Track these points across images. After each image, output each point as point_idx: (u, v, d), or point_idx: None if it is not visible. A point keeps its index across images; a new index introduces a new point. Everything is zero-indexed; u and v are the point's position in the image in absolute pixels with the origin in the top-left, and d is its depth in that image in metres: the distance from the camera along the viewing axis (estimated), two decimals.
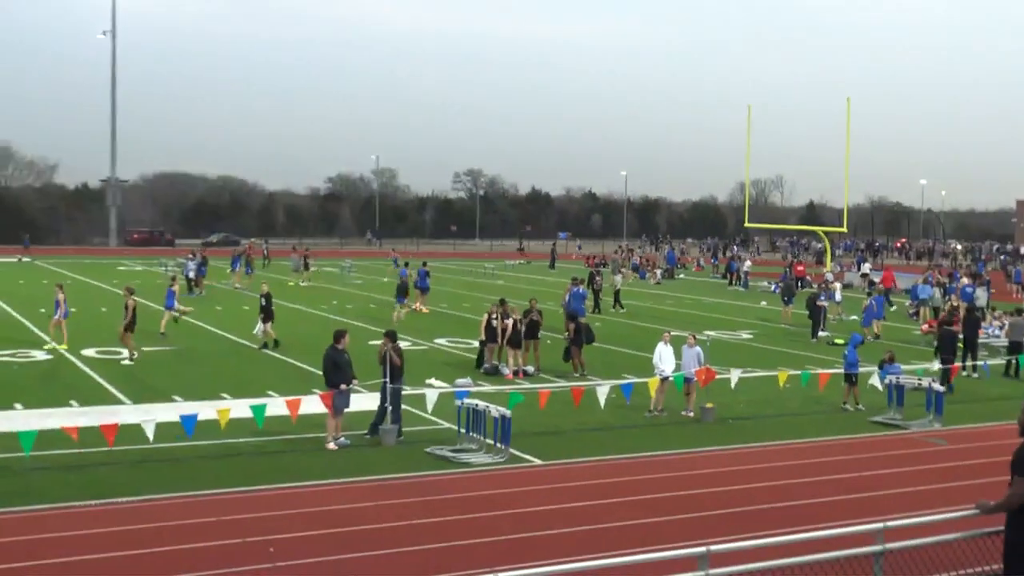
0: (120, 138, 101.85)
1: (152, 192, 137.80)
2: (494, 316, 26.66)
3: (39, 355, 27.35)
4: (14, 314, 36.66)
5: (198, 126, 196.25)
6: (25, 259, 68.92)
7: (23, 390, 22.27)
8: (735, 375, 22.57)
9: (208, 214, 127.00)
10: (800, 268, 61.93)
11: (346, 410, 18.26)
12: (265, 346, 29.42)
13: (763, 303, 48.60)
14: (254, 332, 30.22)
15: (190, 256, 49.33)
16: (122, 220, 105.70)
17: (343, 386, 17.97)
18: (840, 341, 33.55)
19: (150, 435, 16.04)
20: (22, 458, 15.56)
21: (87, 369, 25.39)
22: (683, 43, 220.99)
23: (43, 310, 37.56)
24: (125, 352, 27.04)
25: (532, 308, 27.24)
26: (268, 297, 29.97)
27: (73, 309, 37.02)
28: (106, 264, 69.30)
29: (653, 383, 21.16)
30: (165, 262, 66.38)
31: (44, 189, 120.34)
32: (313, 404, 18.72)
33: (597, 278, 44.05)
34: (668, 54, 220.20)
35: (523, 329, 26.45)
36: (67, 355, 27.39)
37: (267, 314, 29.74)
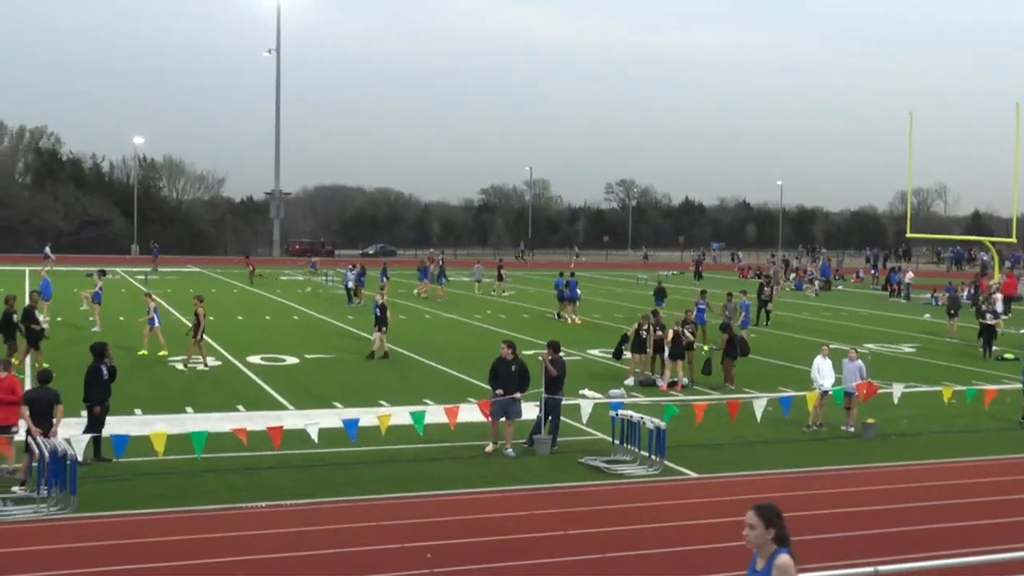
0: (283, 152, 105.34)
1: (313, 204, 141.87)
2: (644, 328, 26.42)
3: (208, 361, 27.75)
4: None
5: (356, 140, 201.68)
6: (158, 270, 67.77)
7: (194, 395, 23.05)
8: (898, 390, 21.84)
9: (366, 225, 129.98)
10: (984, 283, 57.19)
11: (516, 419, 18.18)
12: (372, 355, 29.10)
13: (926, 316, 46.95)
14: (374, 342, 29.59)
15: (350, 267, 50.41)
16: (284, 231, 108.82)
17: (498, 391, 17.90)
18: (1010, 356, 32.42)
19: (314, 439, 16.34)
20: (193, 460, 16.04)
21: (252, 375, 26.04)
22: (840, 50, 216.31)
23: (212, 318, 38.70)
24: (291, 359, 27.89)
25: (688, 320, 26.88)
26: (383, 308, 29.78)
27: (240, 317, 39.29)
28: (269, 274, 71.06)
29: (812, 397, 20.59)
30: (326, 272, 67.86)
31: (212, 202, 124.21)
32: (471, 412, 18.83)
33: (766, 288, 42.84)
34: (825, 61, 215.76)
35: (684, 340, 25.96)
36: (234, 361, 28.23)
37: (381, 323, 29.53)
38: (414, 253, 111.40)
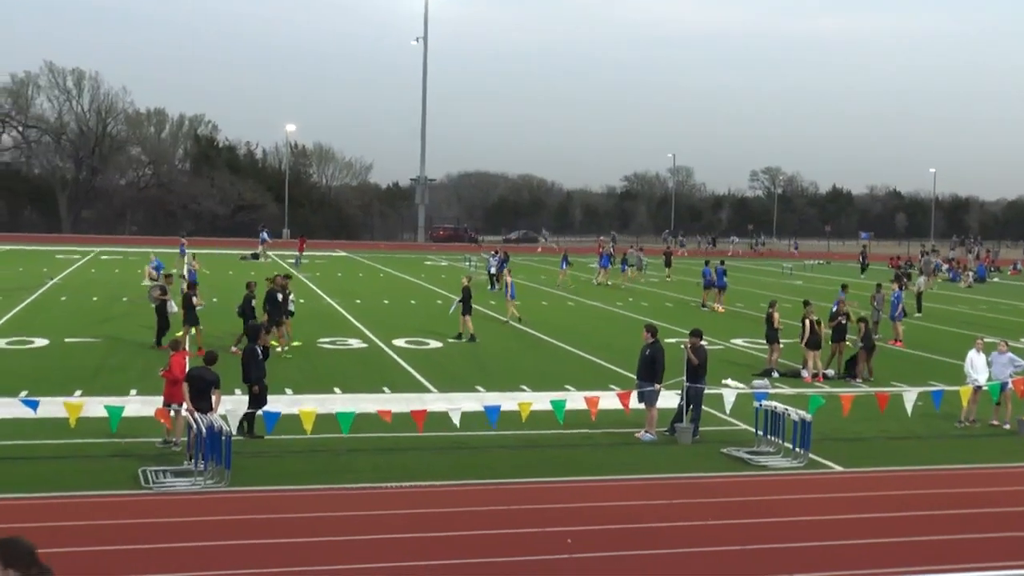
0: (428, 140, 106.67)
1: (457, 191, 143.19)
2: (813, 317, 25.28)
3: (355, 343, 28.69)
4: (336, 306, 38.52)
5: (500, 128, 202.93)
6: (268, 254, 67.02)
7: (342, 375, 23.49)
8: None
9: (508, 212, 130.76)
10: None
11: (650, 406, 18.00)
12: (459, 336, 29.60)
13: None
14: (451, 311, 30.75)
15: (493, 252, 51.15)
16: (429, 217, 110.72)
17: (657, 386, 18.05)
18: None
19: (456, 423, 16.51)
20: (339, 438, 16.43)
21: (397, 358, 26.41)
22: (996, 31, 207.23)
23: (359, 301, 40.03)
24: (435, 343, 28.31)
25: (840, 311, 26.19)
26: (468, 291, 30.22)
27: (386, 301, 39.89)
28: (414, 259, 72.34)
29: (965, 392, 19.78)
30: (469, 257, 68.80)
31: (360, 188, 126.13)
32: (611, 400, 18.68)
33: (905, 280, 41.47)
34: (979, 43, 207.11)
35: (829, 332, 25.47)
36: (380, 344, 28.60)
37: (466, 306, 29.90)
38: (555, 240, 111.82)
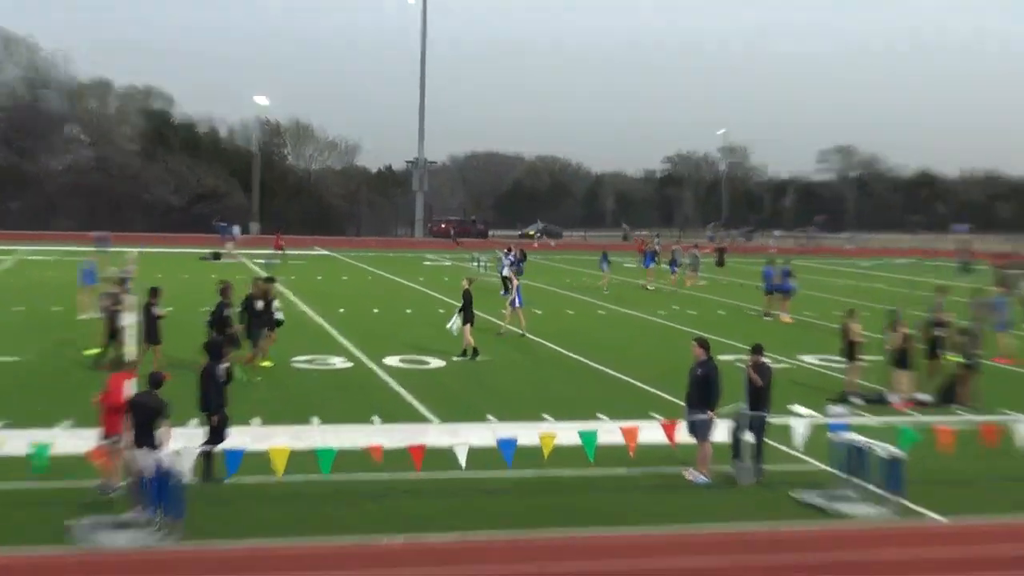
0: (428, 115, 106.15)
1: (463, 175, 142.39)
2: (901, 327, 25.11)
3: (338, 362, 28.33)
4: (314, 316, 38.23)
5: (514, 100, 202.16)
6: (231, 253, 67.61)
7: (321, 402, 23.01)
8: None
9: (525, 199, 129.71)
10: None
11: (704, 440, 17.69)
12: (464, 353, 29.24)
13: None
14: (448, 326, 30.18)
15: (506, 251, 50.08)
16: (429, 207, 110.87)
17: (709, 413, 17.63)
18: None
19: (462, 461, 16.02)
20: (320, 481, 15.99)
21: (390, 380, 26.03)
22: None
23: (342, 310, 39.84)
24: (436, 362, 28.04)
25: (939, 321, 25.78)
26: (469, 296, 29.89)
27: (376, 310, 39.73)
28: (410, 258, 72.28)
29: None
30: (477, 256, 67.80)
31: (345, 173, 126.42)
32: (653, 432, 18.17)
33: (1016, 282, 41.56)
34: None
35: (924, 347, 25.13)
36: (368, 363, 28.19)
37: (466, 315, 29.61)
38: (582, 235, 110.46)
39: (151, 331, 25.55)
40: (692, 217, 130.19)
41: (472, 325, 29.92)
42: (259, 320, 26.61)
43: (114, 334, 25.75)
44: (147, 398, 15.33)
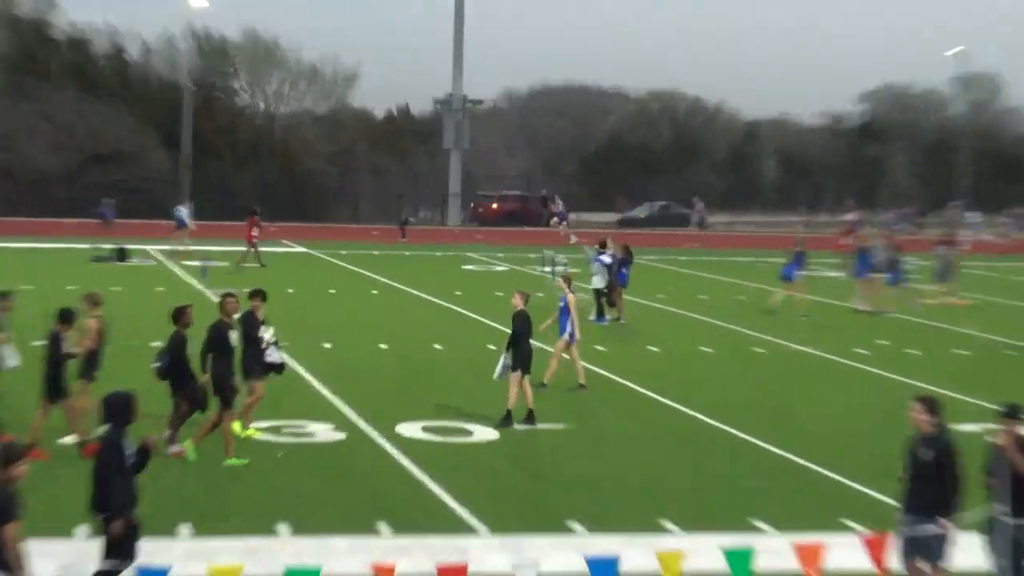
0: (468, 30, 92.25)
1: (524, 123, 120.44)
2: None
3: (321, 431, 25.72)
4: (285, 356, 33.80)
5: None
6: (182, 250, 61.19)
7: (294, 498, 20.76)
8: None
9: (631, 162, 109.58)
10: None
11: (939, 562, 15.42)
12: (529, 418, 26.83)
13: None
14: (496, 375, 27.70)
15: (596, 246, 44.78)
16: (469, 175, 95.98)
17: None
18: None
19: None
20: None
21: (406, 461, 23.32)
22: None
23: (328, 345, 36.75)
24: (482, 431, 25.14)
25: None
26: (523, 322, 27.37)
27: (384, 345, 36.59)
28: (440, 259, 66.17)
29: None
30: (555, 257, 56.93)
31: (333, 118, 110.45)
32: (847, 550, 16.70)
33: None
34: None
35: None
36: (370, 433, 25.70)
37: (519, 353, 27.06)
38: (727, 220, 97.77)
39: (55, 380, 23.61)
40: (911, 188, 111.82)
41: (527, 370, 26.91)
42: (228, 361, 24.28)
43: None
44: None
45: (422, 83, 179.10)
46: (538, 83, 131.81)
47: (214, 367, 23.42)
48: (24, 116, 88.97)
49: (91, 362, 23.88)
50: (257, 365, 24.64)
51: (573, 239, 77.33)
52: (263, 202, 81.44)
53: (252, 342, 24.48)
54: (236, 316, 24.49)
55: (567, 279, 32.95)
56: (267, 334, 25.06)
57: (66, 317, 23.91)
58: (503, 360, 27.04)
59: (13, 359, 24.55)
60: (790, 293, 46.16)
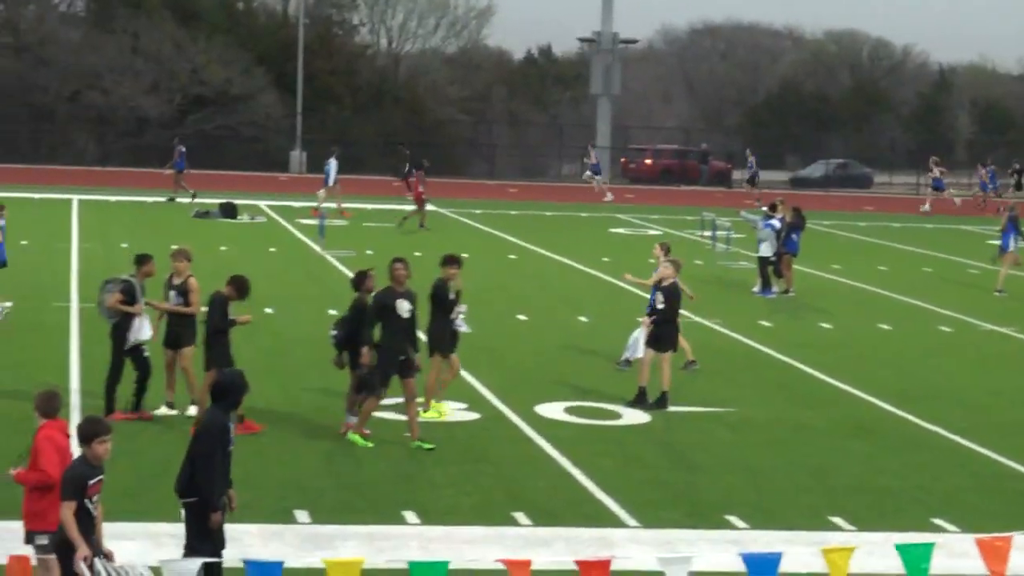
0: None
1: (685, 68, 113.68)
2: None
3: (455, 410, 25.08)
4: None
5: None
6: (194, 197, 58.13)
7: (420, 483, 20.32)
8: None
9: (802, 113, 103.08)
10: None
11: None
12: (662, 398, 25.04)
13: None
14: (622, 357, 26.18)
15: (763, 207, 43.05)
16: (619, 127, 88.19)
17: None
18: None
19: None
20: None
21: (546, 445, 22.66)
22: None
23: (462, 315, 35.48)
24: (632, 415, 25.02)
25: None
26: (673, 293, 25.58)
27: (523, 316, 35.75)
28: (585, 220, 62.11)
29: None
30: (715, 220, 52.39)
31: (464, 59, 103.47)
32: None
33: None
34: None
35: None
36: (507, 412, 25.14)
37: (662, 332, 25.72)
38: (914, 181, 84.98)
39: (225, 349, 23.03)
40: None
41: (674, 347, 26.14)
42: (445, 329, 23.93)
43: (142, 365, 23.69)
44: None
45: (566, 20, 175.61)
46: (698, 21, 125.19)
47: (382, 339, 23.10)
48: (114, 52, 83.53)
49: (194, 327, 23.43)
50: (450, 337, 24.38)
51: (601, 184, 77.46)
52: (385, 153, 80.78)
53: (444, 313, 24.24)
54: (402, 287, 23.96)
55: (665, 248, 31.05)
56: (461, 306, 24.66)
57: (241, 288, 23.96)
58: (636, 336, 27.42)
59: (148, 330, 24.05)
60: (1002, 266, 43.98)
